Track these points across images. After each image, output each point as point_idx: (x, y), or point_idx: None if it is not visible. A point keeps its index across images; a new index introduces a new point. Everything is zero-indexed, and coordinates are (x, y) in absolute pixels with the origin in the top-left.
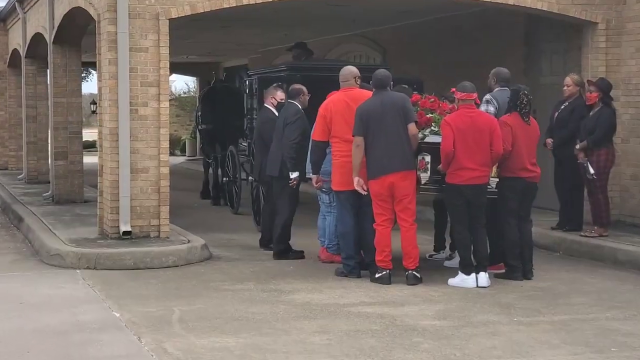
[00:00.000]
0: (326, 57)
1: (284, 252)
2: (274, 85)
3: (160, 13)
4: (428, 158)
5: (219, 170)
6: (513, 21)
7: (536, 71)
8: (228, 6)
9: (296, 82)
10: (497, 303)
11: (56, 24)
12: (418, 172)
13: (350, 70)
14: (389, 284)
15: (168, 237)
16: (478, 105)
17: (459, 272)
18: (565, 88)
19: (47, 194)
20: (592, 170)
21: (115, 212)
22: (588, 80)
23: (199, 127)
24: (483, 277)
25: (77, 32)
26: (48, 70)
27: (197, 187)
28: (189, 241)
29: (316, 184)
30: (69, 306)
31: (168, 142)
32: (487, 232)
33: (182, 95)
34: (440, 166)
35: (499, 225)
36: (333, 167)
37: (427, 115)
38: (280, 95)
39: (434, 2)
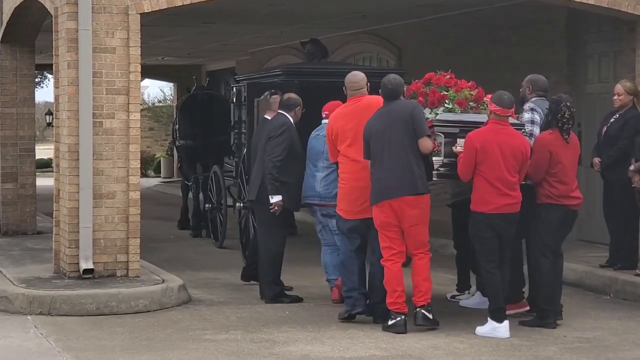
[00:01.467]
0: (330, 59)
1: (277, 295)
2: (270, 92)
3: (129, 6)
4: (441, 139)
5: (201, 195)
6: (552, 18)
7: (581, 77)
8: None
9: (294, 88)
10: (535, 357)
11: (5, 20)
12: (430, 157)
13: (362, 76)
14: (405, 332)
15: (138, 277)
16: (518, 118)
17: (489, 319)
18: (615, 97)
19: None
20: None
21: (75, 245)
22: None
23: (177, 142)
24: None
25: (30, 29)
26: None
27: (174, 215)
28: (163, 281)
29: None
30: None
31: (139, 162)
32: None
33: (157, 104)
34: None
35: (533, 261)
36: (339, 192)
37: (442, 93)
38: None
39: None
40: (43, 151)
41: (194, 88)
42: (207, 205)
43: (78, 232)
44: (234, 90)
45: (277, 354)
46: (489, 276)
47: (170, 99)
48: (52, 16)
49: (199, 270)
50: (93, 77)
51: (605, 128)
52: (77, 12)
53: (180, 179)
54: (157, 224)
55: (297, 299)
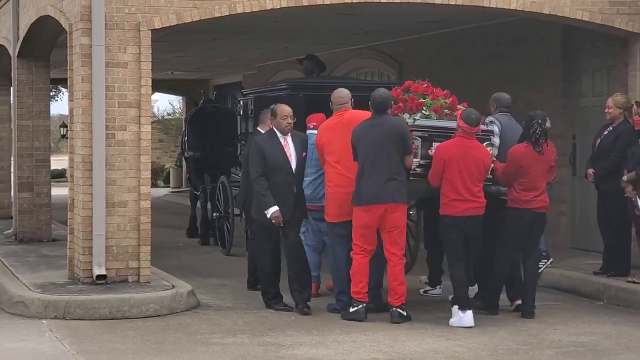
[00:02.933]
0: (332, 74)
1: (270, 300)
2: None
3: (141, 23)
4: (418, 142)
5: (209, 205)
6: (548, 34)
7: (575, 91)
8: (220, 15)
9: (298, 102)
10: None
11: (21, 36)
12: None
13: (347, 92)
14: (364, 319)
15: (149, 282)
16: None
17: (457, 309)
18: (606, 111)
19: (9, 231)
20: None
21: (88, 252)
22: (637, 102)
23: (186, 154)
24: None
25: (45, 44)
26: (12, 89)
27: (182, 223)
28: (173, 287)
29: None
30: None
31: (149, 172)
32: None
33: (166, 117)
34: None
35: (497, 258)
36: (327, 197)
37: (419, 100)
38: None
39: (458, 11)
40: (58, 162)
41: (201, 101)
42: (214, 214)
43: (91, 239)
44: (241, 103)
45: (282, 357)
46: (455, 270)
47: (179, 112)
48: (66, 32)
49: (207, 276)
50: (106, 90)
51: (599, 140)
52: (90, 29)
53: (189, 188)
54: (166, 232)
55: (287, 309)
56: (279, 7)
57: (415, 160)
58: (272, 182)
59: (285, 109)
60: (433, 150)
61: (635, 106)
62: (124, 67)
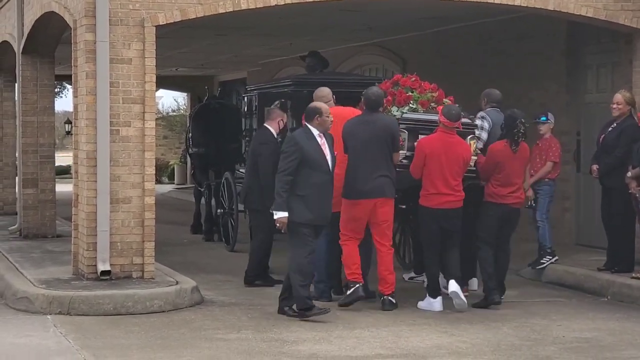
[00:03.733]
0: (337, 70)
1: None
2: (280, 101)
3: (145, 19)
4: (405, 135)
5: (213, 201)
6: (552, 30)
7: (580, 88)
8: (224, 11)
9: (303, 98)
10: (535, 356)
11: (26, 32)
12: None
13: (328, 90)
14: (362, 296)
15: (153, 278)
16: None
17: (427, 295)
18: (614, 106)
19: (13, 227)
20: None
21: (92, 248)
22: None
23: (190, 150)
24: (453, 284)
25: (50, 40)
26: (16, 85)
27: (187, 219)
28: (177, 283)
29: None
30: (38, 358)
31: (154, 168)
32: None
33: (171, 113)
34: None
35: (474, 252)
36: None
37: (408, 94)
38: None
39: (461, 7)
40: (62, 158)
41: (206, 98)
42: (219, 211)
43: (96, 235)
44: (245, 99)
45: (286, 352)
46: (429, 261)
47: (183, 108)
48: (71, 28)
49: (211, 272)
50: (110, 87)
51: (602, 136)
52: (95, 25)
53: (193, 185)
54: (171, 228)
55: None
56: (282, 3)
57: (402, 152)
58: (310, 181)
59: (327, 107)
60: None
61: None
62: (128, 63)
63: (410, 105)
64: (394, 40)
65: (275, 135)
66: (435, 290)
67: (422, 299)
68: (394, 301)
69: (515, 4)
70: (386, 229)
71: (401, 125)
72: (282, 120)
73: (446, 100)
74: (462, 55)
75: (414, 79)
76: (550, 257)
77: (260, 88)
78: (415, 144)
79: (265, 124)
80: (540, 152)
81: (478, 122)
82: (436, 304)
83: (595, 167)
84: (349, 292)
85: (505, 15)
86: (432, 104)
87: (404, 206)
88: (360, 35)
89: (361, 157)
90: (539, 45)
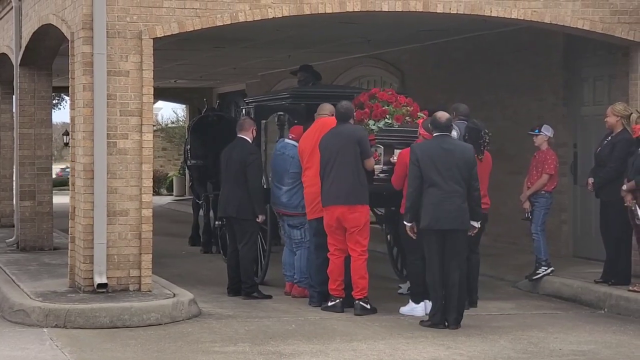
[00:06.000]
0: (335, 83)
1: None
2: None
3: (143, 31)
4: (381, 150)
5: (211, 213)
6: (550, 43)
7: (577, 100)
8: (222, 24)
9: (300, 111)
10: None
11: (23, 44)
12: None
13: (331, 106)
14: (341, 312)
15: (150, 291)
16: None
17: (410, 300)
18: (605, 119)
19: (10, 239)
20: None
21: (89, 261)
22: (638, 110)
23: (188, 162)
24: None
25: (47, 53)
26: (14, 97)
27: (185, 231)
28: (174, 295)
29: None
30: None
31: (151, 180)
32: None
33: (169, 125)
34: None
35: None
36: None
37: (383, 108)
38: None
39: (459, 20)
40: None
41: (204, 110)
42: (217, 223)
43: (93, 248)
44: (243, 112)
45: None
46: (412, 266)
47: (182, 120)
48: (68, 41)
49: (209, 285)
50: (107, 99)
51: (598, 150)
52: (92, 37)
53: (192, 197)
54: (169, 240)
55: (267, 296)
56: (280, 15)
57: (377, 166)
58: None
59: None
60: (395, 158)
61: (634, 115)
62: (126, 75)
63: (386, 120)
64: (392, 52)
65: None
66: (418, 295)
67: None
68: (367, 306)
69: (512, 17)
70: (357, 235)
71: (377, 140)
72: (255, 129)
73: (420, 114)
74: (461, 67)
75: (390, 92)
76: (546, 268)
77: (258, 100)
78: (393, 158)
79: (240, 135)
80: (537, 164)
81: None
82: (418, 309)
83: (590, 180)
84: (329, 304)
85: (503, 28)
86: (406, 118)
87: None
88: (359, 48)
89: (329, 166)
90: (536, 57)
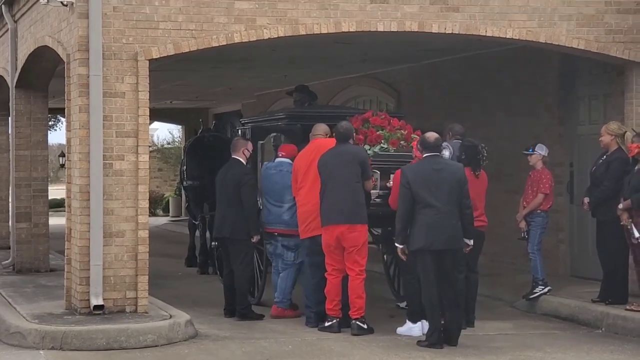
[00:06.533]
0: (331, 103)
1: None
2: (273, 135)
3: (139, 53)
4: (377, 175)
5: (207, 233)
6: (545, 62)
7: (572, 119)
8: (217, 45)
9: (296, 131)
10: None
11: (19, 66)
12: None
13: (325, 126)
14: (338, 332)
15: (147, 312)
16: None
17: (407, 320)
18: (600, 139)
19: (6, 261)
20: (637, 234)
21: (85, 282)
22: (633, 129)
23: (184, 183)
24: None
25: (43, 74)
26: (10, 119)
27: (181, 252)
28: (171, 317)
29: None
30: None
31: (147, 202)
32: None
33: (165, 146)
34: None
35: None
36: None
37: (377, 133)
38: (251, 147)
39: (455, 39)
40: (56, 191)
41: (200, 130)
42: (213, 243)
43: (89, 269)
44: (240, 132)
45: None
46: (408, 285)
47: (178, 140)
48: (64, 62)
49: (206, 306)
50: (103, 120)
51: (593, 169)
52: (88, 59)
53: (188, 217)
54: (165, 261)
55: (259, 316)
56: (276, 36)
57: (374, 191)
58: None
59: None
60: (391, 182)
61: (629, 133)
62: (122, 97)
63: (382, 145)
64: (388, 72)
65: (246, 164)
66: (414, 314)
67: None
68: (363, 326)
69: (507, 36)
70: (355, 254)
71: (373, 165)
72: (246, 149)
73: (414, 135)
74: (457, 86)
75: (383, 116)
76: (543, 287)
77: (254, 121)
78: (389, 183)
79: (234, 156)
80: (532, 183)
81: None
82: (415, 329)
83: (585, 200)
84: (326, 325)
85: (498, 47)
86: (401, 142)
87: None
88: (355, 67)
89: (330, 186)
90: (532, 76)
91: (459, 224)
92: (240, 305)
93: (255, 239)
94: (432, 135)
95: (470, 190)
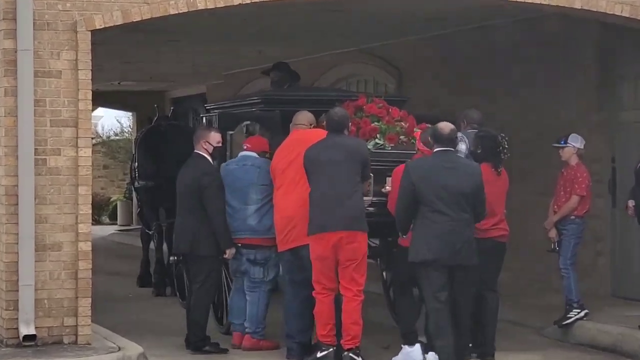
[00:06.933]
0: (316, 85)
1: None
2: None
3: (78, 22)
4: (370, 180)
5: (164, 246)
6: (582, 34)
7: (614, 103)
8: (176, 12)
9: (274, 118)
10: None
11: None
12: None
13: (311, 115)
14: None
15: (89, 343)
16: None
17: (402, 345)
18: None
19: None
20: None
21: (13, 307)
22: None
23: (136, 183)
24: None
25: None
26: None
27: (133, 269)
28: (119, 349)
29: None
30: None
31: (90, 206)
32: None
33: (112, 138)
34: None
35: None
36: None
37: (373, 125)
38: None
39: (470, 5)
40: None
41: (156, 118)
42: (171, 258)
43: (17, 291)
44: (204, 121)
45: None
46: (403, 299)
47: (128, 131)
48: None
49: (163, 335)
50: (35, 106)
51: (638, 166)
52: (15, 30)
53: (140, 226)
54: (112, 280)
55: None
56: (249, 1)
57: (366, 198)
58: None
59: None
60: (387, 187)
61: None
62: (58, 76)
63: (377, 141)
64: (387, 46)
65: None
66: (411, 334)
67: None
68: (358, 359)
69: (536, 1)
70: (353, 270)
71: None
72: (207, 141)
73: (417, 128)
74: (471, 65)
75: (381, 104)
76: (578, 311)
77: (222, 107)
78: (385, 189)
79: (197, 151)
80: (565, 183)
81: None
82: (415, 353)
83: (630, 203)
84: (319, 355)
85: (523, 16)
86: (401, 137)
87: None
88: (345, 41)
89: (326, 186)
90: (564, 52)
91: (472, 234)
92: (196, 337)
93: (228, 254)
94: (446, 127)
95: (487, 193)
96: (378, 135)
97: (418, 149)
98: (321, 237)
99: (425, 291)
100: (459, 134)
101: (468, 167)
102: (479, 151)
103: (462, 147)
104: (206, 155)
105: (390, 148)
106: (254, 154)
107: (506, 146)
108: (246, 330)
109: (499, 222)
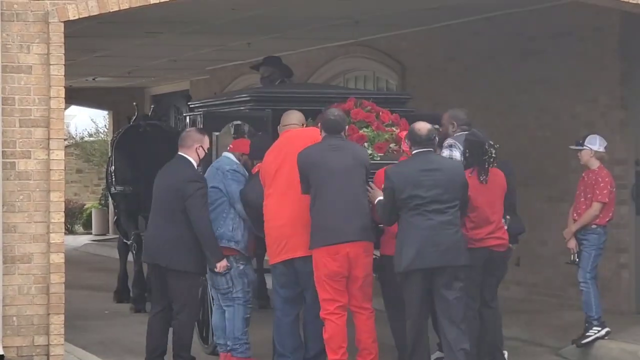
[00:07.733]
0: (310, 81)
1: None
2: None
3: (50, 13)
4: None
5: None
6: (602, 25)
7: (638, 100)
8: (157, 1)
9: (263, 117)
10: None
11: None
12: None
13: (301, 114)
14: None
15: None
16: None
17: None
18: None
19: None
20: None
21: None
22: None
23: (113, 189)
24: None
25: None
26: None
27: (109, 283)
28: None
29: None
30: None
31: (63, 215)
32: None
33: (87, 139)
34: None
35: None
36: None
37: (360, 132)
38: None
39: None
40: None
41: (134, 117)
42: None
43: None
44: (188, 120)
45: None
46: (398, 324)
47: (104, 131)
48: None
49: (142, 355)
50: (2, 104)
51: None
52: None
53: (118, 236)
54: (87, 295)
55: None
56: None
57: None
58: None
59: None
60: (378, 197)
61: None
62: (28, 72)
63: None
64: (389, 38)
65: (196, 167)
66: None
67: None
68: None
69: None
70: (367, 286)
71: None
72: (201, 147)
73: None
74: (480, 58)
75: (369, 107)
76: (599, 329)
77: (207, 105)
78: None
79: (181, 153)
80: (585, 188)
81: (446, 152)
82: None
83: None
84: None
85: (538, 4)
86: (391, 146)
87: None
88: (343, 32)
89: (333, 192)
90: (584, 44)
91: (460, 234)
92: (181, 359)
93: (219, 267)
94: (423, 127)
95: (475, 200)
96: (366, 145)
97: (403, 150)
98: (336, 251)
99: (405, 298)
100: (451, 141)
101: (449, 167)
102: (467, 154)
103: (457, 154)
104: (192, 160)
105: (379, 158)
106: (230, 156)
107: (493, 155)
108: (227, 348)
109: (495, 231)
